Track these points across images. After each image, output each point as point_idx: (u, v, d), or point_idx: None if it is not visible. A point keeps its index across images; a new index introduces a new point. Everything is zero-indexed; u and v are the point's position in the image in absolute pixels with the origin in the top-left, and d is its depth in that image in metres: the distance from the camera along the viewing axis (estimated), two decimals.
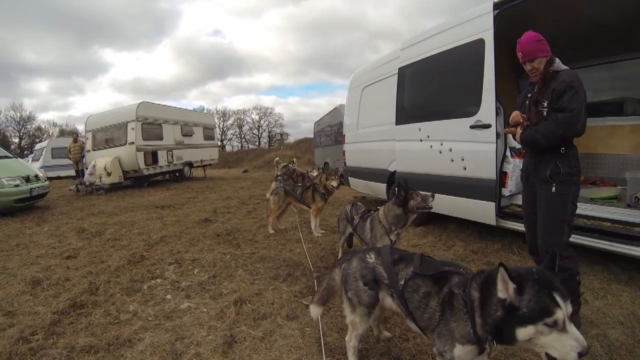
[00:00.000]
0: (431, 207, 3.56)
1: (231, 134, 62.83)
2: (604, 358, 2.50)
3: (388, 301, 2.26)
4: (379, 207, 3.98)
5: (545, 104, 2.84)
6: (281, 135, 54.39)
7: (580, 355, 1.48)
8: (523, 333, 1.56)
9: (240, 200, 10.15)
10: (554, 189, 2.83)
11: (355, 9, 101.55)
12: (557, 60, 2.95)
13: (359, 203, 4.52)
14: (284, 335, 2.89)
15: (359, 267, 2.34)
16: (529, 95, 3.08)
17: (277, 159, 13.85)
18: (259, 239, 5.83)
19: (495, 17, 4.48)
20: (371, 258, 2.33)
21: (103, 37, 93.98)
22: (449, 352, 1.85)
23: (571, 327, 1.52)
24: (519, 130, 2.98)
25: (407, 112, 6.00)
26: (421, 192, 3.56)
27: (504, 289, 1.61)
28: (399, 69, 6.18)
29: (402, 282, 2.09)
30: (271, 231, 6.15)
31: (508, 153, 4.60)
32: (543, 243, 2.94)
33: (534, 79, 3.01)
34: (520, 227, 4.28)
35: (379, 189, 7.02)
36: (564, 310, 1.51)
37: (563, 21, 5.15)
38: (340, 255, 4.56)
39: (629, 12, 4.53)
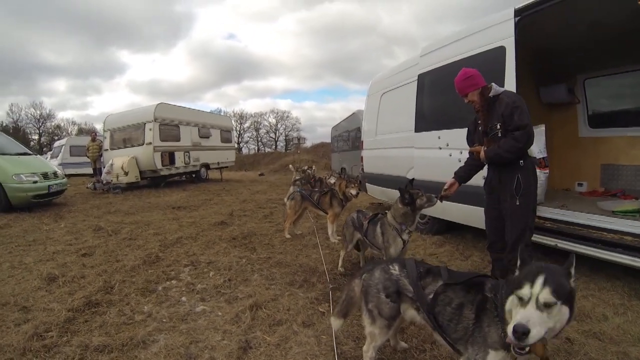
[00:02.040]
0: (435, 203, 3.73)
1: (248, 136, 63.19)
2: None
3: (411, 314, 2.20)
4: (386, 211, 3.96)
5: (499, 126, 3.28)
6: (298, 139, 54.50)
7: (514, 330, 1.51)
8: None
9: (256, 204, 10.12)
10: (517, 202, 3.27)
11: (370, 15, 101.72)
12: (493, 85, 3.42)
13: (363, 210, 4.48)
14: (299, 343, 2.82)
15: (381, 279, 2.29)
16: (479, 122, 3.50)
17: (290, 165, 13.86)
18: (275, 243, 5.78)
19: (516, 24, 4.38)
20: (395, 270, 2.28)
21: (120, 39, 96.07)
22: (481, 359, 1.81)
23: (529, 307, 1.56)
24: (482, 149, 3.39)
25: (426, 120, 5.90)
26: (426, 194, 3.69)
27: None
28: (419, 75, 6.07)
29: (431, 296, 2.04)
30: (287, 236, 6.10)
31: None
32: (511, 245, 3.32)
33: (476, 109, 3.48)
34: (538, 238, 4.24)
35: (397, 196, 6.90)
36: (534, 291, 1.57)
37: (584, 28, 5.03)
38: (340, 263, 4.53)
39: (623, 26, 4.43)
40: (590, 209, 4.49)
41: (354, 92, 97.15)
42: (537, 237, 4.21)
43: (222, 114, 48.07)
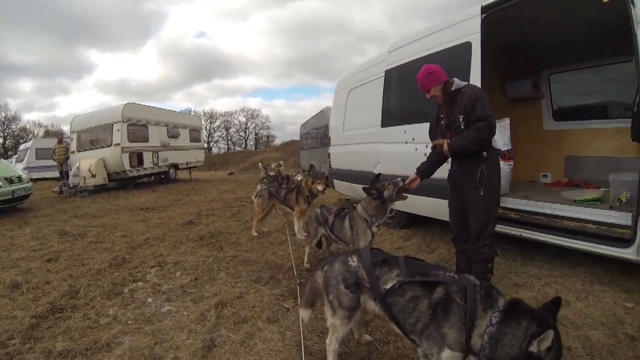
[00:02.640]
0: (406, 197, 3.80)
1: (218, 135, 62.62)
2: (585, 358, 2.56)
3: (370, 305, 2.27)
4: (354, 205, 4.05)
5: (461, 119, 3.34)
6: (267, 137, 54.08)
7: None
8: None
9: (224, 203, 10.12)
10: (481, 192, 3.33)
11: (341, 12, 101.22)
12: (455, 79, 3.48)
13: (328, 205, 4.59)
14: (263, 339, 2.89)
15: (340, 270, 2.34)
16: (441, 116, 3.57)
17: (259, 164, 13.86)
18: (242, 241, 5.83)
19: (483, 20, 4.51)
20: (354, 261, 2.34)
21: (88, 37, 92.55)
22: (436, 354, 1.89)
23: None
24: (446, 142, 3.43)
25: (392, 115, 6.03)
26: (392, 181, 3.76)
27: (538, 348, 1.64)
28: (386, 71, 6.20)
29: (385, 287, 2.11)
30: (255, 234, 6.15)
31: None
32: (475, 236, 3.42)
33: (438, 104, 3.55)
34: (504, 229, 4.41)
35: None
36: None
37: (549, 25, 5.25)
38: (306, 259, 4.61)
39: (614, 18, 4.58)
40: (553, 198, 4.68)
41: (325, 89, 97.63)
42: (502, 228, 4.38)
43: (192, 113, 47.50)
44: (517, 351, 1.67)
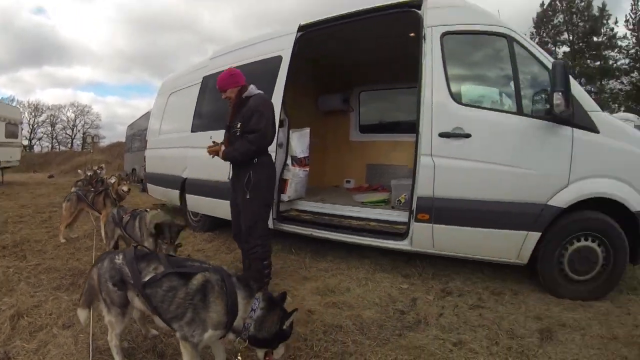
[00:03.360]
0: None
1: (42, 132, 54.14)
2: (355, 333, 2.93)
3: (136, 301, 2.33)
4: (147, 209, 4.18)
5: (239, 125, 3.55)
6: (92, 137, 47.87)
7: None
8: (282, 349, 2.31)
9: (36, 209, 8.90)
10: (248, 195, 3.56)
11: (193, 11, 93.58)
12: (251, 87, 3.70)
13: (123, 206, 4.66)
14: (57, 345, 2.78)
15: (108, 268, 2.36)
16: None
17: (79, 170, 12.68)
18: (48, 249, 5.31)
19: (299, 38, 4.88)
20: (119, 259, 2.37)
21: None
22: (198, 336, 2.12)
23: None
24: (222, 149, 3.66)
25: (202, 120, 6.13)
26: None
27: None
28: (204, 77, 6.27)
29: (145, 279, 2.22)
30: (62, 240, 5.65)
31: (289, 161, 5.05)
32: (245, 236, 3.68)
33: (230, 105, 3.73)
34: (297, 229, 4.85)
35: (174, 196, 6.91)
36: None
37: (360, 48, 6.01)
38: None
39: (415, 49, 5.48)
40: (346, 201, 5.34)
41: None
42: (294, 228, 4.87)
43: (14, 103, 40.76)
44: (275, 328, 2.20)
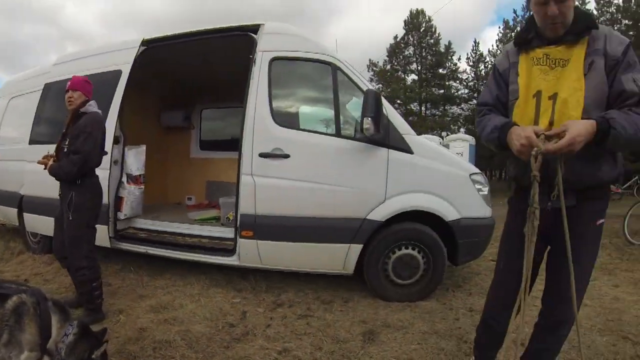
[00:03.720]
0: None
1: None
2: (184, 348, 2.97)
3: None
4: None
5: (68, 141, 3.45)
6: None
7: None
8: None
9: None
10: (70, 217, 3.44)
11: (57, 2, 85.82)
12: (92, 103, 3.59)
13: None
14: None
15: None
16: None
17: None
18: None
19: (142, 52, 4.79)
20: None
21: None
22: (15, 357, 2.05)
23: None
24: (50, 162, 3.51)
25: (42, 132, 5.70)
26: None
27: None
28: (45, 84, 5.80)
29: None
30: None
31: (124, 179, 4.91)
32: (69, 257, 3.58)
33: (68, 108, 3.57)
34: (133, 247, 4.72)
35: (12, 215, 6.24)
36: None
37: (201, 67, 6.07)
38: None
39: (233, 71, 5.56)
40: (182, 218, 5.31)
41: None
42: (131, 247, 4.73)
43: None
44: (84, 356, 2.20)
